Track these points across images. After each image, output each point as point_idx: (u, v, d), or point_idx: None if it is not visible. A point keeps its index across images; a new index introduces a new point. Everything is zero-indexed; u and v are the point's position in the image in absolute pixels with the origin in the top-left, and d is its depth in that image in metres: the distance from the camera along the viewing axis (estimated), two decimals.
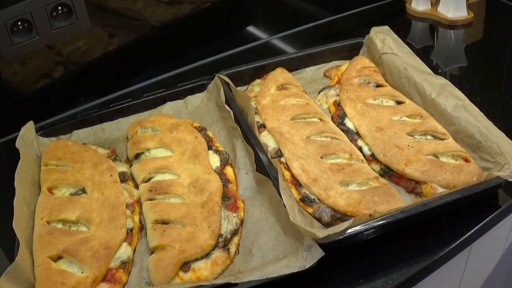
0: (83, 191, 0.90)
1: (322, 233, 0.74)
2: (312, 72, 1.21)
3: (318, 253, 0.71)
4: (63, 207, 0.86)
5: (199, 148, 0.95)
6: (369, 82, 1.08)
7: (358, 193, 0.83)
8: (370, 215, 0.78)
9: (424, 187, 0.86)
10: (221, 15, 1.41)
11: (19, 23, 1.05)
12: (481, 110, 0.92)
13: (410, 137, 0.93)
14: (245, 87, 1.15)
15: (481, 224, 0.82)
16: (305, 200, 0.85)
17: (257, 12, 1.47)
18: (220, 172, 0.92)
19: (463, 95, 0.96)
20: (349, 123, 1.01)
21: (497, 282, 1.16)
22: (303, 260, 0.71)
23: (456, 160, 0.89)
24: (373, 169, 0.91)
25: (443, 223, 0.82)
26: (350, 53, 1.21)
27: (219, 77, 1.10)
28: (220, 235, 0.81)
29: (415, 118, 0.97)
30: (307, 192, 0.86)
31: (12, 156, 0.91)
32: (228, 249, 0.80)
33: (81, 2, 1.11)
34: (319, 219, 0.83)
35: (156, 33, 1.30)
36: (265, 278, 0.70)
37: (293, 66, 1.19)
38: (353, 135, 0.98)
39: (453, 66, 1.29)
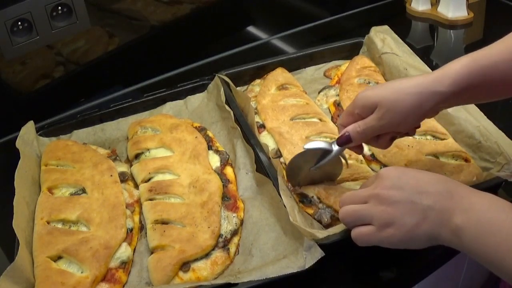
0: (83, 191, 0.90)
1: (322, 233, 0.74)
2: (312, 72, 1.21)
3: (318, 254, 0.71)
4: (63, 207, 0.86)
5: (199, 148, 0.95)
6: (369, 82, 1.08)
7: None
8: None
9: None
10: (221, 15, 1.41)
11: (19, 23, 1.05)
12: (481, 110, 0.92)
13: (410, 137, 0.93)
14: (245, 87, 1.15)
15: None
16: (304, 201, 0.85)
17: (257, 12, 1.47)
18: (220, 172, 0.92)
19: None
20: None
21: (496, 282, 1.16)
22: (303, 260, 0.71)
23: (456, 160, 0.89)
24: (373, 170, 0.91)
25: None
26: (350, 53, 1.21)
27: (219, 77, 1.10)
28: (220, 235, 0.81)
29: None
30: (306, 192, 0.86)
31: (12, 156, 0.91)
32: (228, 249, 0.80)
33: (81, 2, 1.11)
34: (319, 221, 0.83)
35: (156, 33, 1.30)
36: (265, 278, 0.70)
37: (293, 66, 1.19)
38: None
39: None
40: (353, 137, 0.75)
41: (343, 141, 0.76)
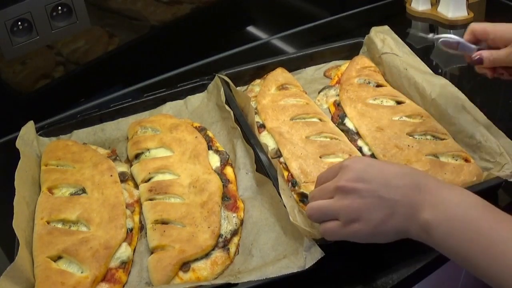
0: (83, 191, 0.90)
1: None
2: (312, 72, 1.20)
3: (318, 254, 0.71)
4: (63, 207, 0.86)
5: (199, 148, 0.95)
6: (369, 82, 1.08)
7: None
8: None
9: None
10: (221, 15, 1.41)
11: (19, 23, 1.05)
12: (481, 110, 0.92)
13: (410, 137, 0.93)
14: (245, 87, 1.15)
15: None
16: (304, 201, 0.85)
17: (257, 12, 1.47)
18: (220, 172, 0.92)
19: (463, 95, 0.96)
20: (349, 123, 1.01)
21: None
22: (303, 260, 0.71)
23: (456, 160, 0.89)
24: None
25: None
26: (350, 53, 1.21)
27: (219, 77, 1.10)
28: (220, 235, 0.81)
29: (415, 118, 0.97)
30: (306, 192, 0.86)
31: (12, 156, 0.91)
32: (228, 249, 0.80)
33: (81, 2, 1.11)
34: None
35: (156, 33, 1.30)
36: (264, 278, 0.70)
37: (293, 66, 1.19)
38: (353, 135, 0.98)
39: (453, 66, 1.29)
40: (484, 62, 0.81)
41: (475, 62, 0.82)
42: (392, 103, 1.03)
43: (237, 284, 0.71)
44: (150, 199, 0.88)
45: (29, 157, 0.94)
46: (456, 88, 0.98)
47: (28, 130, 0.99)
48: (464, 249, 0.56)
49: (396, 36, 1.16)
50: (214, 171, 0.92)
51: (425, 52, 1.32)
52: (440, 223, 0.58)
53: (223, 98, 1.04)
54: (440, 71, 1.25)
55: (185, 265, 0.77)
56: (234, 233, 0.82)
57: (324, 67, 1.21)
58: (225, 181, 0.90)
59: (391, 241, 0.64)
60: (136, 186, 0.93)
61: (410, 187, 0.61)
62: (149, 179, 0.92)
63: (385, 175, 0.63)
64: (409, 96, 1.04)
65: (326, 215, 0.66)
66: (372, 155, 0.93)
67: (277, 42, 1.46)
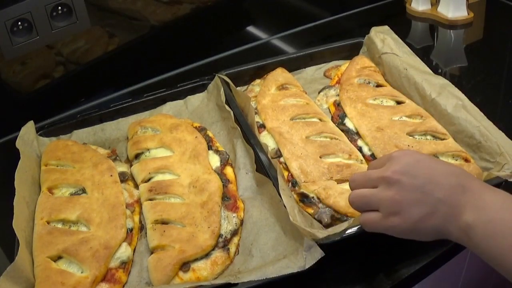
0: (83, 191, 0.90)
1: (322, 233, 0.73)
2: (312, 72, 1.20)
3: (318, 254, 0.71)
4: (63, 207, 0.86)
5: (199, 148, 0.95)
6: (369, 82, 1.08)
7: None
8: None
9: None
10: (221, 15, 1.41)
11: (19, 23, 1.05)
12: (481, 110, 0.92)
13: (410, 137, 0.93)
14: (245, 87, 1.15)
15: None
16: (304, 201, 0.85)
17: (257, 12, 1.47)
18: (220, 172, 0.92)
19: (463, 95, 0.96)
20: (349, 123, 1.01)
21: (497, 281, 1.16)
22: (303, 260, 0.71)
23: (456, 160, 0.89)
24: None
25: None
26: (350, 53, 1.21)
27: (219, 77, 1.10)
28: (220, 235, 0.81)
29: (415, 118, 0.97)
30: (306, 192, 0.86)
31: (12, 156, 0.91)
32: (228, 249, 0.80)
33: (81, 2, 1.11)
34: (319, 221, 0.83)
35: (156, 33, 1.30)
36: (264, 278, 0.70)
37: (293, 66, 1.19)
38: (353, 135, 0.98)
39: (453, 66, 1.29)
40: None
41: None
42: (392, 103, 1.03)
43: (237, 284, 0.71)
44: (150, 199, 0.88)
45: (29, 157, 0.94)
46: (456, 88, 0.98)
47: (28, 130, 0.99)
48: (503, 254, 0.56)
49: (396, 36, 1.16)
50: (214, 171, 0.92)
51: (425, 52, 1.32)
52: (481, 226, 0.57)
53: (223, 98, 1.04)
54: (440, 71, 1.25)
55: (185, 265, 0.78)
56: (234, 233, 0.82)
57: (324, 67, 1.21)
58: (225, 181, 0.90)
59: (430, 240, 0.63)
60: (136, 186, 0.93)
61: (454, 187, 0.61)
62: (149, 179, 0.92)
63: (431, 172, 0.63)
64: (409, 96, 1.04)
65: (368, 204, 0.66)
66: (372, 155, 0.93)
67: (277, 42, 1.46)
